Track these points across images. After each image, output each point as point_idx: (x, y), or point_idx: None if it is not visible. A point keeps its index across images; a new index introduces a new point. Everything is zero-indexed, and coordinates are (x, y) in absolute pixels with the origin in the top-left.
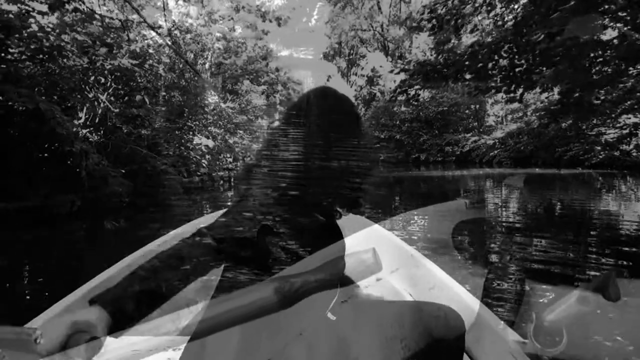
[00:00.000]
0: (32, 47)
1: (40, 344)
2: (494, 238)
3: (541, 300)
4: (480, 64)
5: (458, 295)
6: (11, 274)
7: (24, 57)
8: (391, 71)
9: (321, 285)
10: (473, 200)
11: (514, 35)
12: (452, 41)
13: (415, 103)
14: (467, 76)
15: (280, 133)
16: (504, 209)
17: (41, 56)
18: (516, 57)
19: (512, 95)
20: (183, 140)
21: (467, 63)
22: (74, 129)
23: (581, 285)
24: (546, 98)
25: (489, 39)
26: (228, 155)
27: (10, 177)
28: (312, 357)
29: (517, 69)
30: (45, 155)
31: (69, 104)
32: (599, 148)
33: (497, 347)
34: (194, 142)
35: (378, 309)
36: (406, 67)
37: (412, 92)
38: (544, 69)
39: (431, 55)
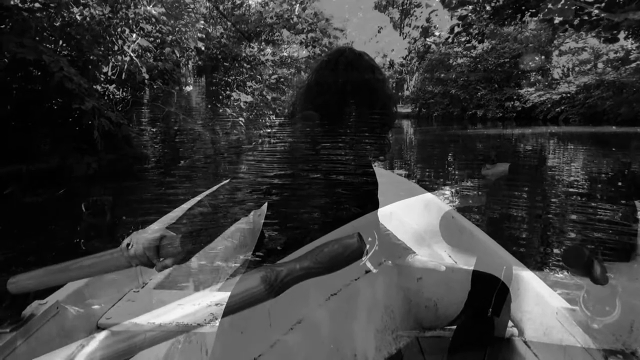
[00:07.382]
0: None
1: (132, 248)
2: (550, 201)
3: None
4: None
5: (503, 260)
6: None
7: (35, 5)
8: (447, 4)
9: (307, 273)
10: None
11: None
12: None
13: (478, 45)
14: (551, 6)
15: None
16: (566, 171)
17: (54, 5)
18: None
19: (614, 32)
20: (221, 97)
21: None
22: (94, 85)
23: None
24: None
25: None
26: (270, 112)
27: (27, 137)
28: (304, 351)
29: None
30: (63, 114)
31: (91, 57)
32: None
33: (544, 314)
34: (231, 99)
35: (368, 302)
36: None
37: (475, 31)
38: None
39: None
